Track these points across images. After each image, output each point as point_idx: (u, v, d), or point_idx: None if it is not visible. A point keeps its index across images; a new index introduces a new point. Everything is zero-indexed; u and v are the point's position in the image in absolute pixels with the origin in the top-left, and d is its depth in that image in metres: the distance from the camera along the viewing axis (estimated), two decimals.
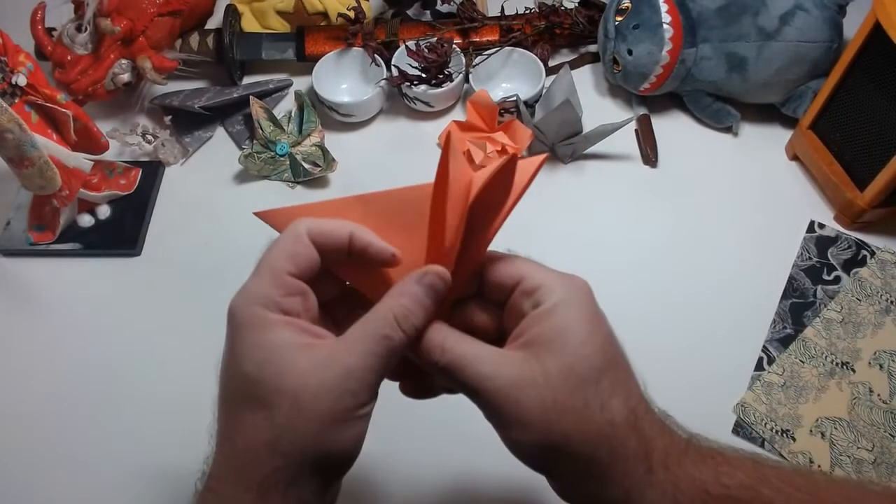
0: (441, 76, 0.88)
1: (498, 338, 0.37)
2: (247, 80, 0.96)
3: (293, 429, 0.31)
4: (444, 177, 0.33)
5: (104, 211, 0.83)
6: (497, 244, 0.36)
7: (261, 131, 0.85)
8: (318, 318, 0.35)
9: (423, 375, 0.37)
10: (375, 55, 0.88)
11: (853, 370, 0.67)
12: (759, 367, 0.68)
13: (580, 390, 0.32)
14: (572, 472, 0.33)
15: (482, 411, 0.34)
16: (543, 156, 0.34)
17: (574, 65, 0.94)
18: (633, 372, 0.35)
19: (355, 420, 0.32)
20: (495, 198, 0.34)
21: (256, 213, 0.37)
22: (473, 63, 0.89)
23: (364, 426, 0.33)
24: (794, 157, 0.83)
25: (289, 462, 0.31)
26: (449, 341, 0.34)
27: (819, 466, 0.62)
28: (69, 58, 0.83)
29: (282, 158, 0.85)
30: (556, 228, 0.79)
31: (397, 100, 0.91)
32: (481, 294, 0.37)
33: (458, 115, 0.91)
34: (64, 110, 0.72)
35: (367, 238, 0.35)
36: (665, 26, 0.80)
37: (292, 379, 0.31)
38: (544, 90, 0.86)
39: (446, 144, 0.33)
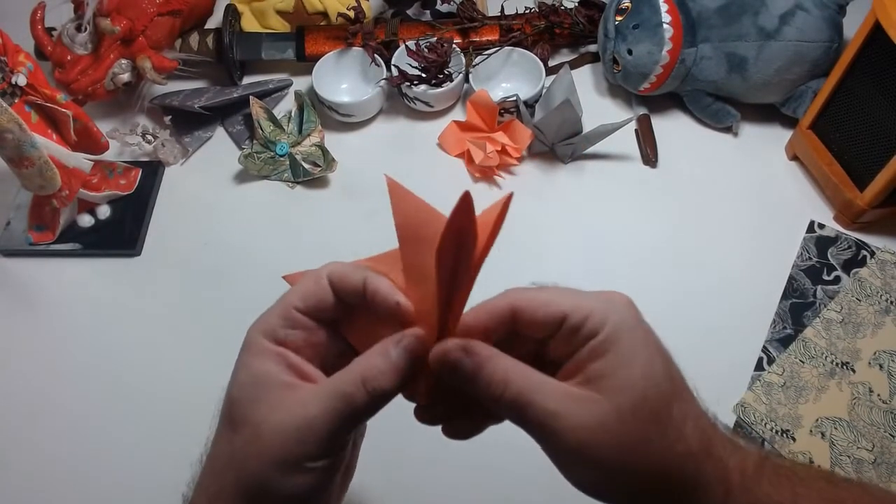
0: (441, 76, 0.88)
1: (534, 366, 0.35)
2: (247, 80, 0.96)
3: (245, 457, 0.32)
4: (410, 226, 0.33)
5: (104, 211, 0.83)
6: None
7: (261, 131, 0.85)
8: (325, 358, 0.35)
9: (466, 414, 0.36)
10: (375, 55, 0.88)
11: (853, 370, 0.67)
12: (759, 367, 0.68)
13: (656, 425, 0.30)
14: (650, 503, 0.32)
15: (543, 447, 0.32)
16: (506, 196, 0.32)
17: (574, 65, 0.94)
18: (686, 381, 0.33)
19: (303, 471, 0.31)
20: (461, 243, 0.32)
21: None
22: (473, 63, 0.89)
23: (314, 480, 0.32)
24: (794, 157, 0.83)
25: (238, 483, 0.32)
26: (511, 373, 0.32)
27: (819, 466, 0.62)
28: (69, 58, 0.83)
29: (282, 158, 0.85)
30: (555, 228, 0.79)
31: (397, 100, 0.91)
32: (516, 333, 0.34)
33: (458, 115, 0.91)
34: (64, 110, 0.72)
35: (376, 284, 0.33)
36: (665, 26, 0.80)
37: (259, 411, 0.32)
38: (544, 90, 0.86)
39: (395, 191, 0.33)
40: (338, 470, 0.34)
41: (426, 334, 0.33)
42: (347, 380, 0.32)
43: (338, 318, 0.35)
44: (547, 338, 0.33)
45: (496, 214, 0.33)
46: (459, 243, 0.31)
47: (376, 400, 0.32)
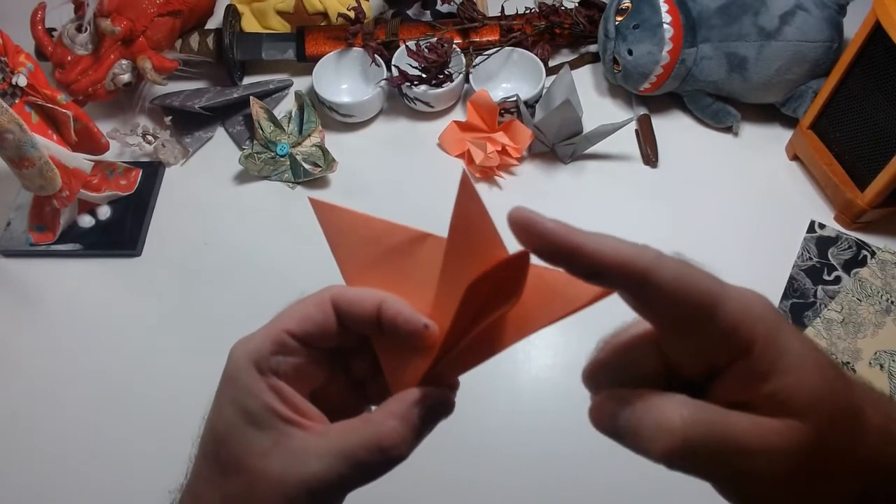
0: (441, 76, 0.88)
1: None
2: (247, 80, 0.96)
3: None
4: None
5: (104, 211, 0.83)
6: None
7: (261, 132, 0.85)
8: (316, 387, 0.32)
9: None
10: (375, 55, 0.88)
11: (854, 370, 0.67)
12: None
13: (848, 435, 0.26)
14: None
15: (721, 485, 0.27)
16: (599, 291, 0.27)
17: (574, 65, 0.94)
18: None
19: None
20: (493, 293, 0.29)
21: (311, 200, 0.33)
22: (473, 63, 0.89)
23: None
24: (795, 157, 0.83)
25: None
26: (696, 412, 0.25)
27: None
28: (69, 58, 0.83)
29: (282, 159, 0.85)
30: None
31: (397, 100, 0.91)
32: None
33: (459, 115, 0.91)
34: (64, 111, 0.72)
35: (396, 307, 0.30)
36: (665, 26, 0.80)
37: (254, 457, 0.29)
38: (544, 90, 0.86)
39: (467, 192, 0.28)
40: None
41: (449, 394, 0.31)
42: (362, 443, 0.29)
43: (337, 348, 0.32)
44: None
45: (582, 299, 0.28)
46: (494, 294, 0.28)
47: (392, 465, 0.29)
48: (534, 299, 0.30)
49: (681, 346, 0.27)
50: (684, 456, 0.25)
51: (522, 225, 0.24)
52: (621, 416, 0.26)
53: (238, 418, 0.29)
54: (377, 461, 0.29)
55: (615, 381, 0.28)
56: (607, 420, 0.27)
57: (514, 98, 0.84)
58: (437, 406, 0.30)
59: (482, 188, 0.83)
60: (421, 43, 0.88)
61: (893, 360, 0.67)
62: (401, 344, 0.31)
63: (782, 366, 0.25)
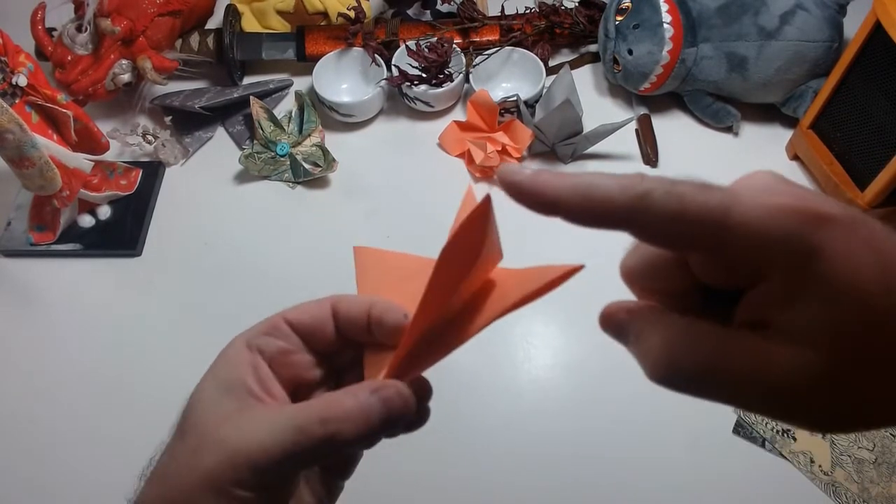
0: (441, 76, 0.88)
1: None
2: (247, 80, 0.96)
3: (181, 470, 0.30)
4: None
5: (105, 211, 0.83)
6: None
7: (261, 131, 0.85)
8: (301, 382, 0.33)
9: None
10: (375, 55, 0.88)
11: None
12: None
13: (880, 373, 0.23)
14: None
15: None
16: (573, 267, 0.28)
17: (574, 65, 0.94)
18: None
19: (231, 499, 0.28)
20: (462, 254, 0.28)
21: (355, 248, 0.35)
22: (473, 63, 0.89)
23: None
24: (795, 157, 0.83)
25: (172, 493, 0.30)
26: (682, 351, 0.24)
27: (820, 466, 0.62)
28: (69, 58, 0.83)
29: (282, 158, 0.85)
30: (555, 229, 0.79)
31: (397, 100, 0.91)
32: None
33: (459, 115, 0.91)
34: (64, 110, 0.72)
35: (384, 307, 0.31)
36: (665, 26, 0.80)
37: (210, 421, 0.30)
38: (544, 90, 0.86)
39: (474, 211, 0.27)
40: None
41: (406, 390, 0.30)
42: (304, 415, 0.28)
43: (333, 352, 0.33)
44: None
45: (544, 283, 0.29)
46: (469, 257, 0.28)
47: (333, 445, 0.28)
48: (501, 289, 0.30)
49: (695, 267, 0.25)
50: (670, 384, 0.25)
51: (507, 185, 0.24)
52: (625, 331, 0.27)
53: (212, 389, 0.31)
54: (318, 435, 0.28)
55: (646, 286, 0.29)
56: (613, 330, 0.28)
57: (514, 98, 0.84)
58: (392, 397, 0.29)
59: (482, 188, 0.83)
60: (421, 43, 0.88)
61: None
62: (384, 348, 0.32)
63: (805, 295, 0.22)
